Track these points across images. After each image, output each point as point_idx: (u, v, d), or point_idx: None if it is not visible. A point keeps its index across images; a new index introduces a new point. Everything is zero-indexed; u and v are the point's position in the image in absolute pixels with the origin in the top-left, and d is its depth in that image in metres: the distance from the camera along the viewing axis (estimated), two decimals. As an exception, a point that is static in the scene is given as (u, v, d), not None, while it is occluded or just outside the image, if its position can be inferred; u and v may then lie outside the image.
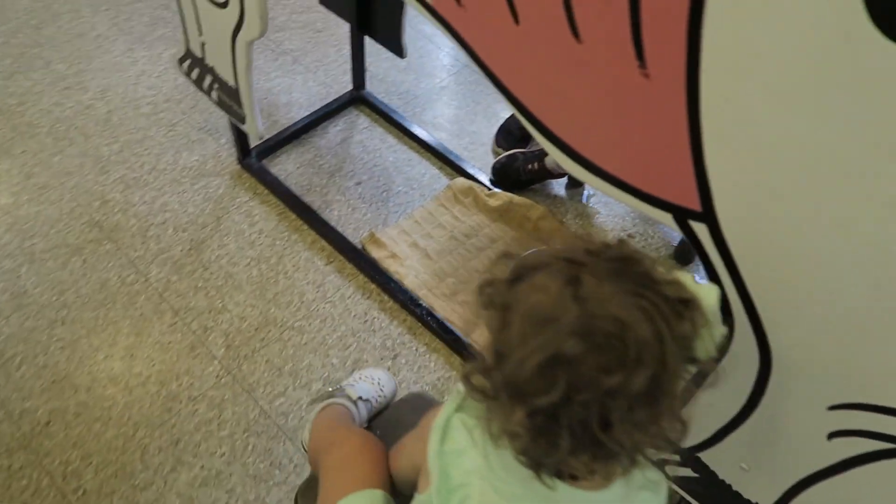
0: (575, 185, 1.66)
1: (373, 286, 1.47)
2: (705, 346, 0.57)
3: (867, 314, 0.63)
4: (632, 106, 0.69)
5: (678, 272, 0.57)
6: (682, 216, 0.72)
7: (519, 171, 1.61)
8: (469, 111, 1.85)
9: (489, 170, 1.67)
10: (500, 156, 1.66)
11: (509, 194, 1.60)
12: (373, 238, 1.52)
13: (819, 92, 0.55)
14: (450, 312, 1.42)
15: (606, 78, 0.69)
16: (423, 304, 1.42)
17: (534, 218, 1.57)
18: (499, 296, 0.58)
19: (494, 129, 1.77)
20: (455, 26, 0.81)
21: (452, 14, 0.81)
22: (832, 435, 0.74)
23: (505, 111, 1.80)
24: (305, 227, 1.55)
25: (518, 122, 1.76)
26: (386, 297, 1.45)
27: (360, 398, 1.11)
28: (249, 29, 1.17)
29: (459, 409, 0.67)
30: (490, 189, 1.63)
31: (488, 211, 1.60)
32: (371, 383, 1.18)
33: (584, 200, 1.66)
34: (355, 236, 1.54)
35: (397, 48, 1.58)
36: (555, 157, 0.81)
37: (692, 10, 0.58)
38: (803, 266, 0.65)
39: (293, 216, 1.57)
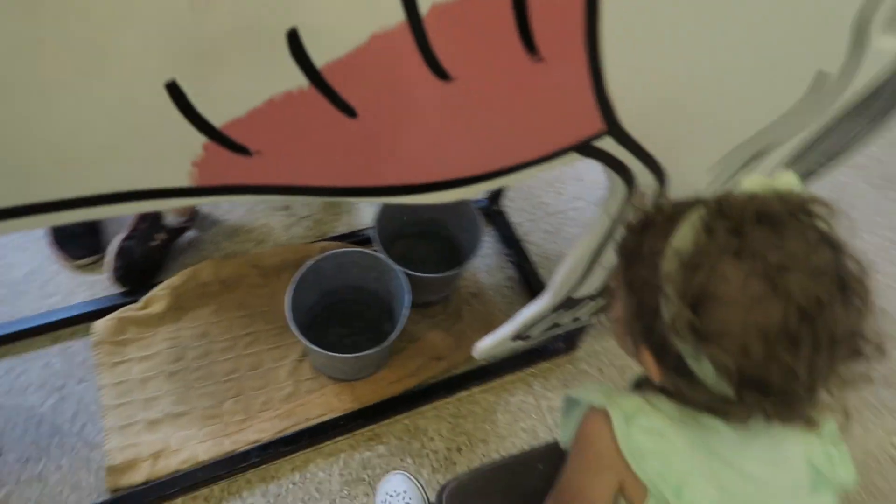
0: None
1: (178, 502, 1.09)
2: None
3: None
4: (530, 97, 0.60)
5: (753, 180, 0.57)
6: (584, 145, 0.71)
7: (146, 258, 1.25)
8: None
9: (111, 285, 1.25)
10: (108, 262, 1.24)
11: (163, 284, 1.25)
12: (113, 470, 1.07)
13: None
14: (267, 430, 1.15)
15: (500, 89, 0.58)
16: (242, 452, 1.13)
17: (210, 277, 1.28)
18: (697, 328, 0.52)
19: (46, 252, 1.29)
20: (254, 181, 0.55)
21: (242, 172, 0.53)
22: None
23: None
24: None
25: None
26: (202, 493, 1.10)
27: None
28: None
29: (629, 419, 0.61)
30: (136, 300, 1.25)
31: (162, 319, 1.24)
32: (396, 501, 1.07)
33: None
34: (92, 494, 1.06)
35: None
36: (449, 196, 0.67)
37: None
38: (691, 108, 0.72)
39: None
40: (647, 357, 0.58)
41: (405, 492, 1.10)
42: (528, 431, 1.25)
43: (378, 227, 1.26)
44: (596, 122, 0.68)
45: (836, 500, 0.68)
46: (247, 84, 0.47)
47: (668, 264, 0.54)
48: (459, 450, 1.21)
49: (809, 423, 0.56)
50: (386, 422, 1.22)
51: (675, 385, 0.58)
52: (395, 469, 1.16)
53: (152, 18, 0.41)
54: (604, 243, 0.93)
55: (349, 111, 0.53)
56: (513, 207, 1.54)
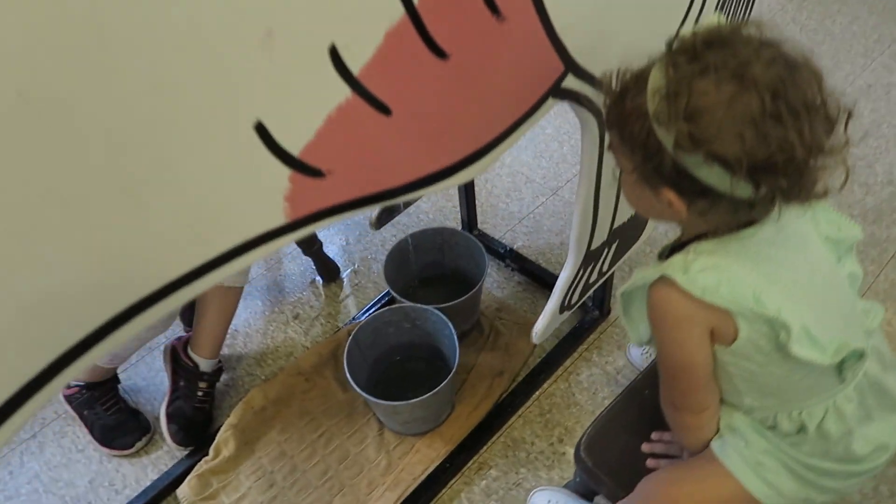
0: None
1: None
2: None
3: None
4: (506, 55, 0.71)
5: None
6: (555, 88, 0.82)
7: (198, 410, 1.27)
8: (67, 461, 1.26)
9: (175, 449, 1.25)
10: (164, 430, 1.25)
11: (223, 428, 1.26)
12: None
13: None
14: None
15: (483, 54, 0.68)
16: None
17: (262, 402, 1.30)
18: (696, 135, 0.59)
19: (96, 456, 1.28)
20: (335, 201, 0.62)
21: (323, 195, 0.61)
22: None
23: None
24: None
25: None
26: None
27: None
28: None
29: (685, 270, 0.67)
30: (204, 454, 1.25)
31: (237, 458, 1.24)
32: None
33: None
34: None
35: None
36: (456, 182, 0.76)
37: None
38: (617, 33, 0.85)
39: None
40: (669, 194, 0.65)
41: (549, 501, 1.12)
42: (610, 398, 1.30)
43: (389, 285, 1.32)
44: (557, 64, 0.79)
45: (855, 257, 0.78)
46: (308, 107, 0.56)
47: (653, 104, 0.62)
48: (561, 440, 1.25)
49: (820, 195, 0.64)
50: (484, 449, 1.24)
51: (701, 211, 0.66)
52: (515, 485, 1.19)
53: (233, 67, 0.49)
54: (598, 183, 1.03)
55: (384, 109, 0.62)
56: (489, 227, 1.64)
